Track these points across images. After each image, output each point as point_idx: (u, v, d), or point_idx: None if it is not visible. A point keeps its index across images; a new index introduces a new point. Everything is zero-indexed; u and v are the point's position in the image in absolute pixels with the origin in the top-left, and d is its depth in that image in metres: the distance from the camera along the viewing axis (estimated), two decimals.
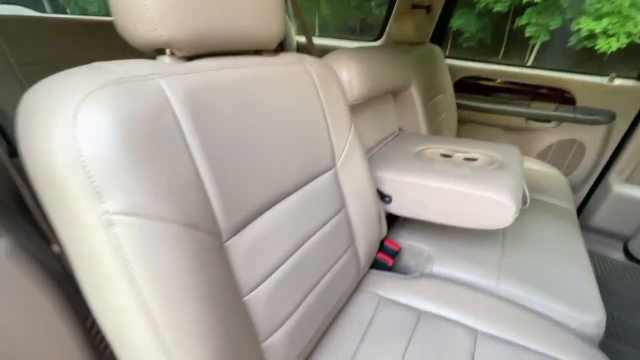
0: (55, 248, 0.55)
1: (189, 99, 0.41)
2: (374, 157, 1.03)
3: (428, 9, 1.59)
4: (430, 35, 1.64)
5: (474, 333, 0.68)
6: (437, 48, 1.59)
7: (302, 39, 2.28)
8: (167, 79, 0.40)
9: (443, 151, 1.09)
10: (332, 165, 0.69)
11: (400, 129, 1.33)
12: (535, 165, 1.52)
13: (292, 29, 2.26)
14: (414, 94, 1.27)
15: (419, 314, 0.73)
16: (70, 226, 0.33)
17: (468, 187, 0.81)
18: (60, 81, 0.35)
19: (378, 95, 1.05)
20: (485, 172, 0.89)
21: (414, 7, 1.58)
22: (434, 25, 1.70)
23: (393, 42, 1.42)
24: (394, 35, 1.38)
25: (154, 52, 0.45)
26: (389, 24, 1.87)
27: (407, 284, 0.81)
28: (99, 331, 0.68)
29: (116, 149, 0.33)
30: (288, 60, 0.62)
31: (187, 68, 0.44)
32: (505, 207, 0.77)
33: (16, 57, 1.09)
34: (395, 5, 1.79)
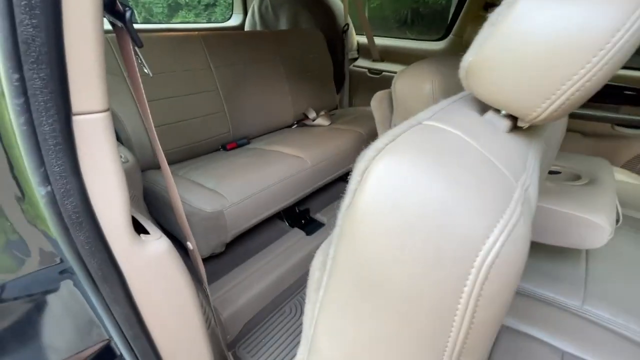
0: (189, 246, 0.67)
1: None
2: None
3: None
4: None
5: (560, 354, 0.68)
6: None
7: (362, 40, 2.30)
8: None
9: None
10: None
11: None
12: (623, 176, 1.40)
13: (353, 30, 2.29)
14: None
15: (501, 328, 0.74)
16: None
17: (555, 204, 0.80)
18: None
19: None
20: (574, 188, 0.86)
21: (488, 5, 1.52)
22: None
23: (465, 46, 1.39)
24: (469, 39, 1.34)
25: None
26: (457, 24, 1.81)
27: None
28: (204, 312, 0.80)
29: None
30: None
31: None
32: (600, 228, 0.74)
33: None
34: (466, 5, 1.73)
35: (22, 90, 0.31)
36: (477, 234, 0.25)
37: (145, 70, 0.50)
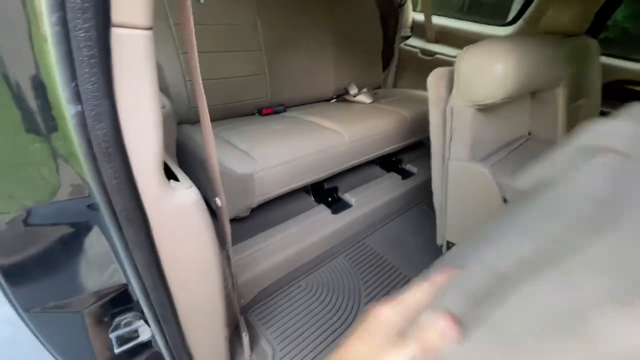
0: (217, 202, 0.63)
1: None
2: (502, 162, 0.93)
3: None
4: (588, 26, 1.37)
5: None
6: (593, 42, 1.33)
7: (418, 17, 2.13)
8: None
9: None
10: None
11: (529, 134, 1.18)
12: None
13: (410, 5, 2.12)
14: (559, 95, 1.09)
15: None
16: None
17: None
18: None
19: (524, 94, 0.93)
20: None
21: None
22: (595, 12, 1.41)
23: (542, 31, 1.22)
24: (549, 22, 1.18)
25: None
26: (531, 8, 1.62)
27: None
28: (224, 270, 0.78)
29: None
30: None
31: None
32: None
33: (175, 17, 1.22)
34: None
35: None
36: None
37: None
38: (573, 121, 1.24)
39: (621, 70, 1.47)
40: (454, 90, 0.87)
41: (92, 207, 0.42)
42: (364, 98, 1.70)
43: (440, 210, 1.04)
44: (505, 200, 0.85)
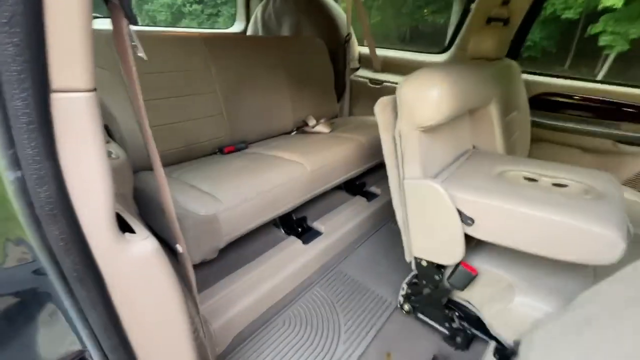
0: (178, 248, 0.62)
1: None
2: (452, 176, 1.00)
3: (506, 22, 1.52)
4: (507, 50, 1.57)
5: None
6: (513, 63, 1.52)
7: (363, 50, 2.31)
8: None
9: (527, 174, 1.03)
10: None
11: (474, 147, 1.29)
12: (627, 194, 1.38)
13: (355, 40, 2.30)
14: (493, 111, 1.22)
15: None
16: None
17: (566, 216, 0.76)
18: None
19: (461, 114, 1.03)
20: (583, 201, 0.83)
21: (490, 20, 1.53)
22: (511, 39, 1.63)
23: (469, 58, 1.38)
24: (473, 50, 1.34)
25: None
26: (459, 37, 1.82)
27: None
28: (192, 322, 0.74)
29: None
30: None
31: None
32: (612, 243, 0.71)
33: None
34: (469, 19, 1.74)
35: None
36: None
37: (140, 54, 0.46)
38: (509, 132, 1.38)
39: (543, 84, 1.68)
40: (398, 116, 0.94)
41: (39, 272, 0.40)
42: (322, 128, 1.77)
43: (404, 227, 1.08)
44: (460, 213, 0.91)
